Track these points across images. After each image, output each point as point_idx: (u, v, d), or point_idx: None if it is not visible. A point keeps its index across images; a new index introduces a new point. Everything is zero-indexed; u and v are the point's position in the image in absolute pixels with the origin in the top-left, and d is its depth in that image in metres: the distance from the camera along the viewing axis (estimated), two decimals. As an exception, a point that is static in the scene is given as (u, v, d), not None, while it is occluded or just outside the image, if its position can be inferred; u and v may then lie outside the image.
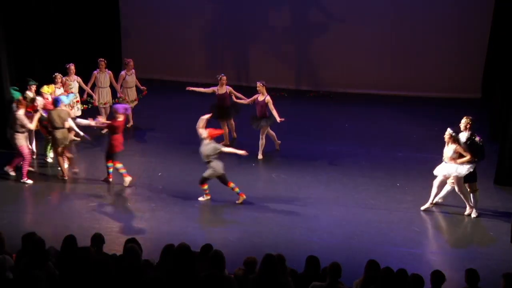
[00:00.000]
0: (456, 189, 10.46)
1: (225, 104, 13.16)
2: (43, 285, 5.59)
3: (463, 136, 10.42)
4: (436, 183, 10.67)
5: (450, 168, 10.38)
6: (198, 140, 13.63)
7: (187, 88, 13.51)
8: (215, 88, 13.15)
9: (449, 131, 10.41)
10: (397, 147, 13.53)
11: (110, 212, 10.70)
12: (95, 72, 13.84)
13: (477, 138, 10.37)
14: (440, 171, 10.54)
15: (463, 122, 10.46)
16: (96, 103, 13.89)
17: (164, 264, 6.81)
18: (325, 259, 7.43)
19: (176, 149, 13.35)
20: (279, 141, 13.22)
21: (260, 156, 12.78)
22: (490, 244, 9.86)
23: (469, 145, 10.34)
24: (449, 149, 10.42)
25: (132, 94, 14.21)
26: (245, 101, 13.07)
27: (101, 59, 13.91)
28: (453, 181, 10.48)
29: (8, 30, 13.76)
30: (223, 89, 13.09)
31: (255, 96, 12.76)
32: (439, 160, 12.84)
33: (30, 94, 12.59)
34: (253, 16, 17.30)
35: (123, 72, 14.02)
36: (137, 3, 17.83)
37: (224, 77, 13.12)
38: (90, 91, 13.89)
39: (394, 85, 16.81)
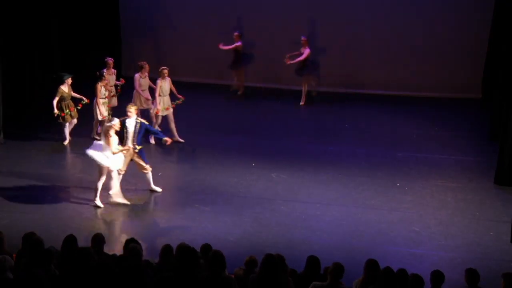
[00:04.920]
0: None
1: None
2: (44, 285, 5.59)
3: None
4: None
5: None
6: (197, 140, 13.69)
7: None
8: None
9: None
10: (397, 147, 13.53)
11: (110, 212, 10.69)
12: (158, 81, 13.30)
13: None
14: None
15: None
16: (159, 112, 13.36)
17: (164, 264, 6.82)
18: (325, 259, 7.44)
19: (176, 149, 13.34)
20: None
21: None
22: (490, 244, 9.85)
23: None
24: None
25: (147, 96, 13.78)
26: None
27: (163, 67, 13.48)
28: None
29: (5, 31, 13.79)
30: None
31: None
32: (439, 160, 12.91)
33: (65, 88, 12.90)
34: (253, 16, 17.30)
35: (137, 75, 13.71)
36: (137, 4, 17.82)
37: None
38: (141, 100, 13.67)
39: (394, 85, 16.80)
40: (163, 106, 13.40)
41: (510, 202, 11.12)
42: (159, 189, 11.31)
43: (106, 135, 10.46)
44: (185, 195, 11.28)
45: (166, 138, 11.32)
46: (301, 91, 16.23)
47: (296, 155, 13.05)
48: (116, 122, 10.59)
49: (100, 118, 13.19)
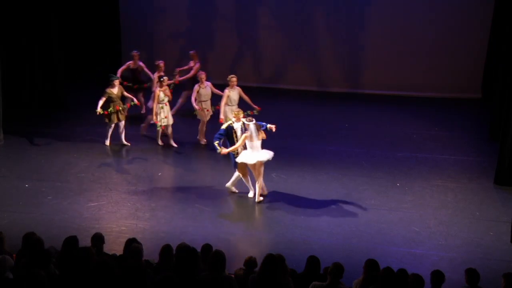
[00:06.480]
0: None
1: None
2: (44, 285, 5.59)
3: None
4: None
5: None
6: (197, 140, 13.68)
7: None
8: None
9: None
10: (397, 147, 13.53)
11: (110, 212, 10.69)
12: (226, 90, 12.85)
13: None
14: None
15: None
16: (223, 121, 12.71)
17: (164, 264, 6.82)
18: (325, 259, 7.45)
19: (176, 150, 13.33)
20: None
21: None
22: (490, 244, 9.85)
23: None
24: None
25: (207, 107, 13.49)
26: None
27: (231, 75, 12.97)
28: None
29: (5, 31, 13.78)
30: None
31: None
32: (439, 160, 12.91)
33: (113, 90, 12.85)
34: (255, 16, 17.31)
35: (196, 86, 13.38)
36: (137, 4, 17.82)
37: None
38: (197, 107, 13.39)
39: (394, 85, 16.81)
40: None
41: (510, 202, 11.12)
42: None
43: (259, 133, 10.88)
44: (185, 195, 11.28)
45: (270, 125, 11.15)
46: (300, 90, 16.23)
47: (296, 155, 13.05)
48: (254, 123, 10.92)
49: (155, 121, 13.04)
